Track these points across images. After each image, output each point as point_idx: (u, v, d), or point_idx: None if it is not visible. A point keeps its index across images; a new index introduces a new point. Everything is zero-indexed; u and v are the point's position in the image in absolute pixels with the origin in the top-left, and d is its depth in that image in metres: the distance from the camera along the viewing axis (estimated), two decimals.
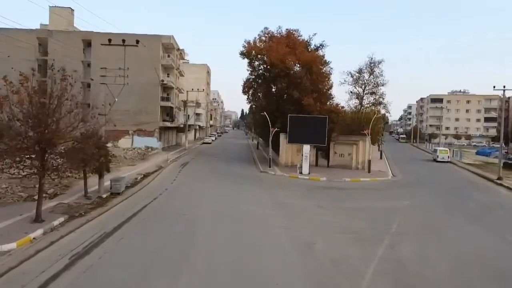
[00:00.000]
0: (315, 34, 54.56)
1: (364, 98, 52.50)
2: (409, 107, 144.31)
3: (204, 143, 66.76)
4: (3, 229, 12.39)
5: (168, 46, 49.36)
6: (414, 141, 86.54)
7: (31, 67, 13.97)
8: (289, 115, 32.36)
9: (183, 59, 65.27)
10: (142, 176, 25.89)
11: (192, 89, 58.97)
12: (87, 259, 10.50)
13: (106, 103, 19.89)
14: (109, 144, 27.77)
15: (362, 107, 51.04)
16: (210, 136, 78.49)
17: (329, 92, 40.91)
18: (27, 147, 12.97)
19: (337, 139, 36.36)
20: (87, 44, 44.16)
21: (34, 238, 11.99)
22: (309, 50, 39.72)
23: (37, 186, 14.39)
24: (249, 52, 38.35)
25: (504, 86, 31.78)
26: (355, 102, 52.78)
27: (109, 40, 20.43)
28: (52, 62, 14.96)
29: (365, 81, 52.22)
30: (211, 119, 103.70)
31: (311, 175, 29.63)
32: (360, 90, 52.73)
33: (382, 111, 52.55)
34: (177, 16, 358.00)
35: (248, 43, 38.84)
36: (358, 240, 13.32)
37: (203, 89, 71.15)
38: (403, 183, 29.38)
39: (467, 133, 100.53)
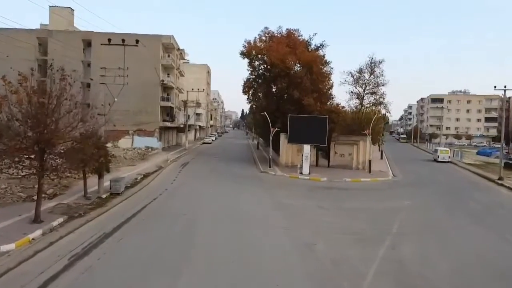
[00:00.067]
0: (315, 34, 54.62)
1: (364, 98, 52.40)
2: (410, 107, 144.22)
3: (204, 143, 66.69)
4: (1, 230, 12.32)
5: (168, 46, 49.31)
6: (415, 141, 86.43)
7: (30, 67, 13.83)
8: (289, 115, 32.29)
9: (183, 59, 65.25)
10: (142, 176, 25.83)
11: (192, 89, 58.95)
12: (86, 260, 10.43)
13: (105, 103, 19.83)
14: (109, 144, 27.75)
15: (363, 107, 50.94)
16: (210, 136, 78.44)
17: (329, 92, 40.95)
18: (26, 147, 12.90)
19: (338, 139, 36.30)
20: (87, 44, 44.09)
21: (33, 239, 11.92)
22: (310, 50, 39.67)
23: (37, 186, 14.33)
24: (249, 52, 38.31)
25: (505, 86, 31.75)
26: (356, 102, 52.72)
27: (109, 40, 20.38)
28: (51, 61, 14.90)
29: (366, 81, 52.14)
30: (211, 119, 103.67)
31: (312, 175, 29.57)
32: (361, 90, 52.65)
33: (383, 111, 52.54)
34: (177, 16, 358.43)
35: (249, 43, 38.85)
36: (359, 240, 13.26)
37: (203, 89, 71.13)
38: (403, 183, 29.30)
39: (468, 133, 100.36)
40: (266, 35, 39.60)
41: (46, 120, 12.89)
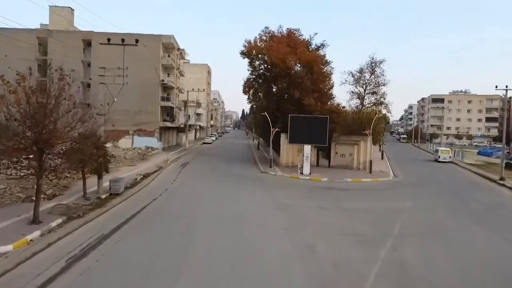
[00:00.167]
0: (316, 33, 53.95)
1: (365, 98, 52.31)
2: (410, 107, 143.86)
3: (204, 143, 66.59)
4: (0, 231, 12.22)
5: (169, 46, 49.21)
6: (415, 141, 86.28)
7: (29, 67, 13.72)
8: (290, 115, 32.17)
9: (184, 59, 65.11)
10: (142, 176, 25.73)
11: (193, 89, 58.85)
12: (84, 262, 10.33)
13: (105, 103, 19.73)
14: (109, 144, 27.64)
15: (363, 107, 50.83)
16: (210, 136, 78.35)
17: (330, 92, 40.79)
18: (24, 148, 12.81)
19: (338, 139, 36.18)
20: (87, 44, 44.02)
21: (31, 240, 11.83)
22: (310, 49, 39.50)
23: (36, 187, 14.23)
24: (250, 52, 38.18)
25: (506, 86, 31.61)
26: (356, 102, 52.61)
27: (108, 40, 20.24)
28: (50, 61, 14.80)
29: (366, 81, 52.06)
30: (211, 119, 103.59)
31: (312, 176, 29.45)
32: (361, 90, 52.56)
33: (383, 111, 52.42)
34: (177, 16, 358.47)
35: (249, 42, 38.69)
36: (360, 242, 13.14)
37: (204, 89, 71.04)
38: (404, 183, 29.17)
39: (469, 133, 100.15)
40: (267, 34, 39.48)
41: (45, 120, 12.81)
